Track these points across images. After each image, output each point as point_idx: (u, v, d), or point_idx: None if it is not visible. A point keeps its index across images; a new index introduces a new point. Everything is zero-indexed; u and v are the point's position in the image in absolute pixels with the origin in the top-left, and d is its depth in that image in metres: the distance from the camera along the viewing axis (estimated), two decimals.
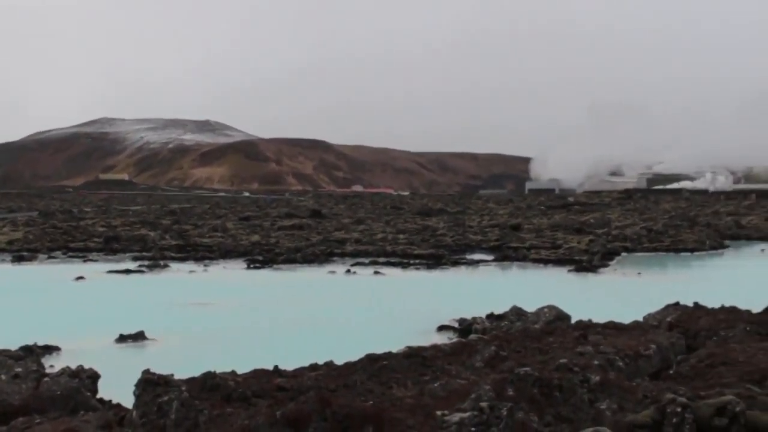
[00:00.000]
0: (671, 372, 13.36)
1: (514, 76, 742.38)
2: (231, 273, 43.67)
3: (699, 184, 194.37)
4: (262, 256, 50.14)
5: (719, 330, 16.84)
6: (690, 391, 10.08)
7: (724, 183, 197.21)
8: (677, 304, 20.44)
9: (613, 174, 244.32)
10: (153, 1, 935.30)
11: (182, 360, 19.18)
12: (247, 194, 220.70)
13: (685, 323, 17.86)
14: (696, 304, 20.03)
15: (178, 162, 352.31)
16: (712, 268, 48.95)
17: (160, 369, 10.88)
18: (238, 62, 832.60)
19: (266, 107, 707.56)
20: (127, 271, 42.36)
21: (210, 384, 11.20)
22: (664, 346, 14.98)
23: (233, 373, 12.17)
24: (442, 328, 25.34)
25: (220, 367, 12.33)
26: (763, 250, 59.90)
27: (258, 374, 12.57)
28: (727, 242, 63.13)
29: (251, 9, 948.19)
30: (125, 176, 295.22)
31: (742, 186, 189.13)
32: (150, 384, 10.24)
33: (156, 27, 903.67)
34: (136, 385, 10.36)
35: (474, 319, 25.19)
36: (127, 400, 10.92)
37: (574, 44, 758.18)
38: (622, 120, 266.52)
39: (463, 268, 46.40)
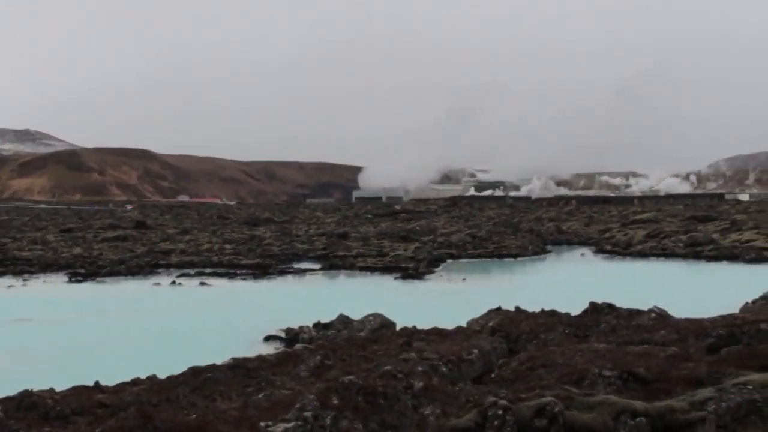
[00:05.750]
0: (493, 375, 13.58)
1: (343, 86, 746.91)
2: (51, 287, 42.39)
3: (522, 192, 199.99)
4: (85, 269, 48.88)
5: (539, 333, 17.29)
6: (511, 394, 10.28)
7: (545, 190, 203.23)
8: (499, 308, 20.80)
9: (440, 182, 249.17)
10: None
11: None
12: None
13: (507, 327, 18.25)
14: (517, 308, 20.43)
15: None
16: (534, 272, 50.26)
17: None
18: (60, 70, 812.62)
19: (89, 116, 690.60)
20: None
21: (27, 403, 10.83)
22: (487, 350, 15.24)
23: (51, 390, 11.79)
24: (268, 339, 25.24)
25: (39, 384, 11.94)
26: (582, 254, 61.91)
27: (78, 391, 12.21)
28: (548, 247, 65.12)
29: (76, 15, 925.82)
30: None
31: (563, 192, 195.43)
32: None
33: None
34: None
35: (301, 328, 25.18)
36: None
37: (406, 55, 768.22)
38: (452, 129, 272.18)
39: (290, 277, 46.35)
